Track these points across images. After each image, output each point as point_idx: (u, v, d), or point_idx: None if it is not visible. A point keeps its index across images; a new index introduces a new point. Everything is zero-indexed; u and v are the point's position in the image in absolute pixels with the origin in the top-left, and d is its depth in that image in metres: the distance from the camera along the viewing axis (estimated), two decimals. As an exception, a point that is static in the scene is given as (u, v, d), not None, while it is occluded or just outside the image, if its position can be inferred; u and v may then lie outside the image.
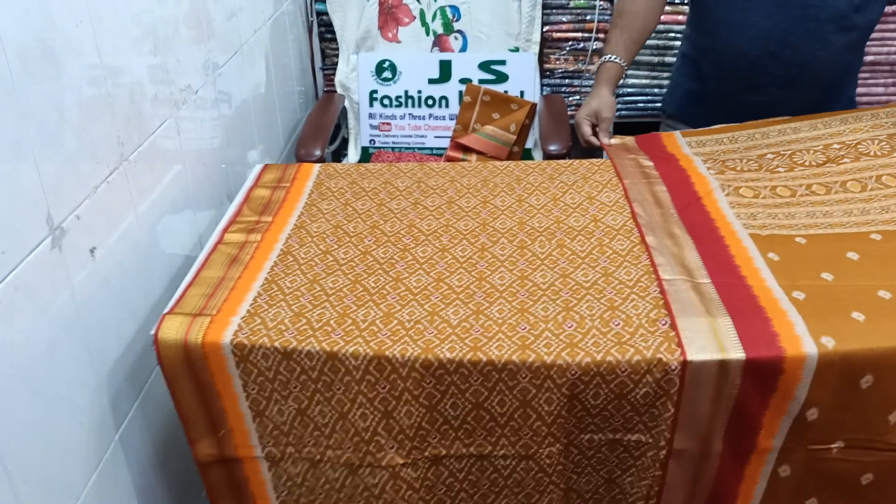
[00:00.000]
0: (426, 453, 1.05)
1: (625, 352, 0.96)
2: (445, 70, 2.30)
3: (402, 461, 1.05)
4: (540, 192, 1.33)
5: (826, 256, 1.11)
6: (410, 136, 2.38)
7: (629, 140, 1.53)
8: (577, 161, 1.42)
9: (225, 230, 1.25)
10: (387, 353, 0.98)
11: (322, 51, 2.47)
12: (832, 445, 1.03)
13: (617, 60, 1.54)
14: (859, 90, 2.47)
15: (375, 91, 2.30)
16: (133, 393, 1.13)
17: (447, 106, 2.33)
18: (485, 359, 0.97)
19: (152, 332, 1.01)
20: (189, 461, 1.29)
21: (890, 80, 2.46)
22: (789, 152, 1.39)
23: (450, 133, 2.35)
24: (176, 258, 1.28)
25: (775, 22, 1.45)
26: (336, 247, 1.20)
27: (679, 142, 1.48)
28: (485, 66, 2.27)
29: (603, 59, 1.57)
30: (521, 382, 0.98)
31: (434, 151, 2.39)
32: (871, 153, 1.36)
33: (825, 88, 1.53)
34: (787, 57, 1.48)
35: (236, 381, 1.03)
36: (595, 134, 1.54)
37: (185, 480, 1.30)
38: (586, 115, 1.57)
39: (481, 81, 2.23)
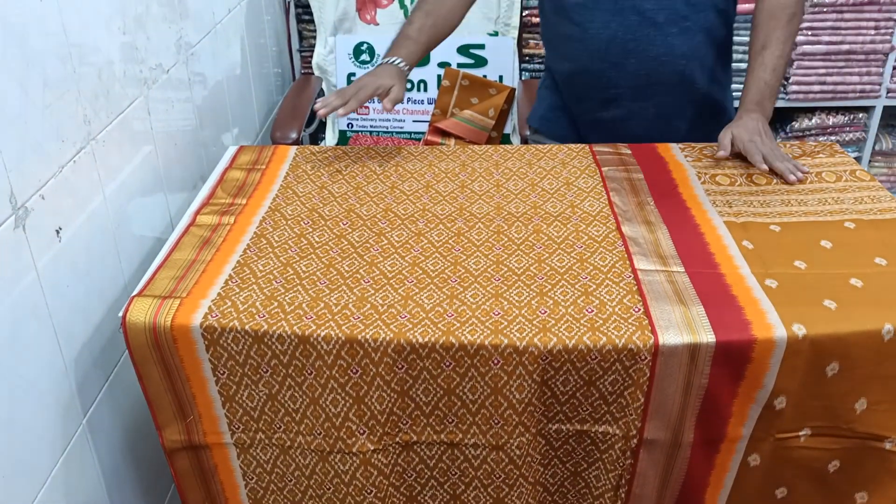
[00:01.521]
0: (397, 439, 1.05)
1: (597, 339, 0.96)
2: (424, 53, 2.28)
3: (372, 447, 1.04)
4: (518, 177, 1.32)
5: (800, 244, 1.12)
6: (388, 120, 2.37)
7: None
8: (556, 146, 1.42)
9: (197, 212, 1.23)
10: (359, 337, 0.97)
11: (299, 32, 2.44)
12: (800, 433, 1.04)
13: (403, 66, 1.40)
14: (835, 79, 2.49)
15: (353, 74, 2.27)
16: (101, 377, 1.11)
17: (426, 90, 2.31)
18: (457, 343, 0.96)
19: (120, 314, 0.99)
20: (160, 446, 1.28)
21: (864, 70, 2.48)
22: None
23: (428, 117, 2.33)
24: (146, 240, 1.26)
25: (613, 30, 1.38)
26: (310, 230, 1.18)
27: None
28: (464, 49, 2.25)
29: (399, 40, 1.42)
30: (492, 369, 0.97)
31: (412, 136, 2.38)
32: (844, 154, 1.37)
33: (681, 94, 1.45)
34: (631, 66, 1.40)
35: (206, 366, 1.01)
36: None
37: (156, 465, 1.28)
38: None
39: (460, 65, 2.22)
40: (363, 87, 1.34)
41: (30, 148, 0.92)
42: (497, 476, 1.07)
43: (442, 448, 1.05)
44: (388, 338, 0.97)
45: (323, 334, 0.98)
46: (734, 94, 1.55)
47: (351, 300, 1.03)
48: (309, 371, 1.01)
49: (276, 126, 1.91)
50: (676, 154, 1.38)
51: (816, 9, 2.39)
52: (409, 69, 1.41)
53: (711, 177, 1.30)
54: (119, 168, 1.16)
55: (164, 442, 1.08)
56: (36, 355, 0.95)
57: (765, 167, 1.26)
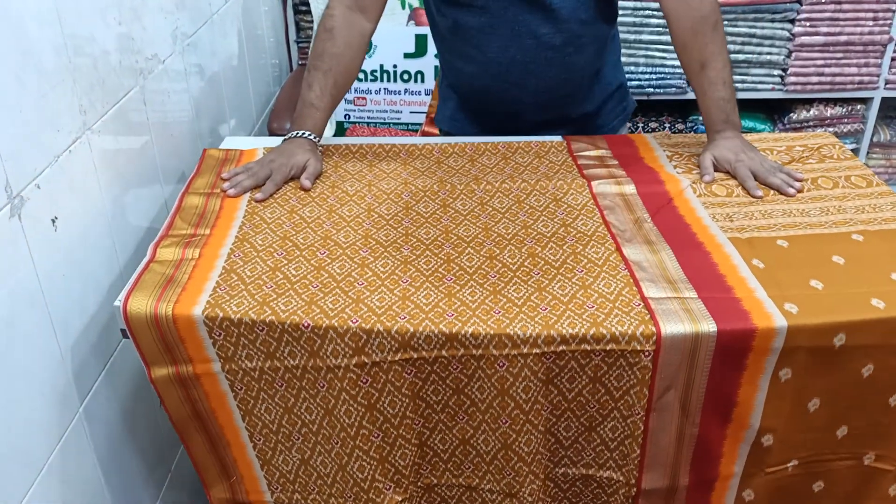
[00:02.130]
0: (419, 484, 1.08)
1: (596, 391, 0.98)
2: (421, 44, 2.28)
3: (399, 499, 1.07)
4: (502, 193, 1.24)
5: (811, 261, 1.07)
6: (386, 112, 2.37)
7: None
8: (536, 159, 1.36)
9: (156, 246, 1.11)
10: (378, 405, 1.00)
11: (296, 23, 2.44)
12: (788, 465, 1.06)
13: (312, 138, 1.33)
14: (833, 70, 2.50)
15: (351, 65, 2.27)
16: (98, 364, 1.12)
17: (423, 81, 2.32)
18: (468, 401, 1.00)
19: (119, 302, 1.00)
20: (159, 432, 1.29)
21: (863, 61, 2.48)
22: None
23: (425, 108, 2.34)
24: (141, 230, 1.26)
25: (511, 55, 1.37)
26: (285, 262, 1.08)
27: (646, 138, 1.43)
28: (461, 41, 2.25)
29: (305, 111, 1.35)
30: (501, 427, 1.01)
31: (410, 127, 2.38)
32: (834, 156, 1.34)
33: (582, 100, 1.49)
34: (532, 86, 1.41)
35: (243, 434, 1.07)
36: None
37: (153, 452, 1.29)
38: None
39: (457, 56, 2.22)
40: (277, 169, 1.27)
41: (25, 137, 0.92)
42: None
43: (461, 490, 1.09)
44: (404, 403, 1.00)
45: (343, 409, 1.01)
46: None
47: (347, 348, 0.96)
48: (336, 440, 1.05)
49: (273, 117, 1.92)
50: (665, 165, 1.32)
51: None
52: (319, 138, 1.35)
53: (707, 188, 1.24)
54: (114, 158, 1.17)
55: (211, 500, 1.14)
56: (32, 344, 0.95)
57: (760, 193, 1.22)
